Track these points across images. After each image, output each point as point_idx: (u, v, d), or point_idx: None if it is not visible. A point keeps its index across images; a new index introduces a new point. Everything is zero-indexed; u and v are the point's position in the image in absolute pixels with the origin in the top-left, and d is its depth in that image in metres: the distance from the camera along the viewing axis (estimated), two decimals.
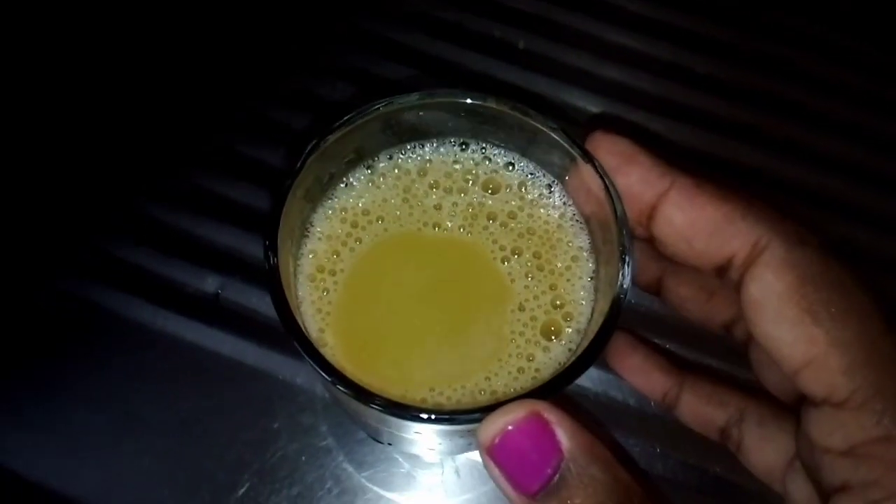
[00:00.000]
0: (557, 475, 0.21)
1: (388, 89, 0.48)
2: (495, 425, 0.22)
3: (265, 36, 0.50)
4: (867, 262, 0.45)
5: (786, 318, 0.22)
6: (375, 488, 0.39)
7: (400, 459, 0.40)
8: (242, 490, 0.38)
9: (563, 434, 0.22)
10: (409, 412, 0.23)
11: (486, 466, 0.23)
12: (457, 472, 0.39)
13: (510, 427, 0.22)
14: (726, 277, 0.24)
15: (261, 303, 0.42)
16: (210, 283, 0.42)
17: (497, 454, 0.22)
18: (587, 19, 0.52)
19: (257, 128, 0.47)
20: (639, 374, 0.31)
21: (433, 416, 0.23)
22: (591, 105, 0.49)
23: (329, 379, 0.24)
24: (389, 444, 0.34)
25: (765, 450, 0.27)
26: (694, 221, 0.24)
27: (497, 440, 0.22)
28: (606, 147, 0.26)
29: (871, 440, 0.21)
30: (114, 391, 0.40)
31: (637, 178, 0.25)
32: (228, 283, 0.43)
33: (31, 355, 0.41)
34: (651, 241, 0.26)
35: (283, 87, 0.48)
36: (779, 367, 0.23)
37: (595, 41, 0.52)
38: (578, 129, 0.29)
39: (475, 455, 0.39)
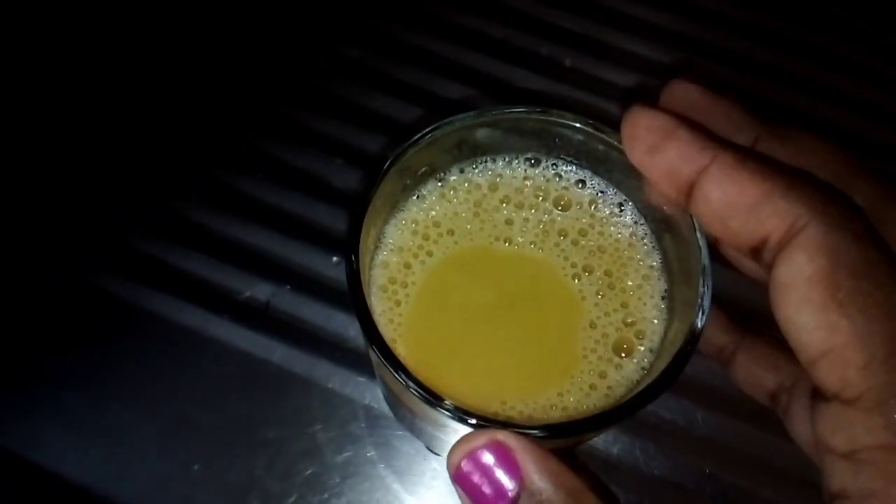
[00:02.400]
0: (519, 501, 0.22)
1: (437, 104, 0.49)
2: (458, 453, 0.23)
3: (318, 51, 0.51)
4: None
5: (811, 302, 0.20)
6: (419, 502, 0.39)
7: (444, 474, 0.40)
8: (292, 499, 0.38)
9: (527, 460, 0.22)
10: (475, 419, 0.23)
11: (456, 492, 0.23)
12: None
13: (474, 454, 0.23)
14: (761, 259, 0.23)
15: (310, 312, 0.42)
16: (261, 291, 0.43)
17: (462, 481, 0.23)
18: (633, 38, 0.53)
19: (311, 140, 0.47)
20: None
21: (507, 427, 0.23)
22: None
23: (404, 382, 0.24)
24: None
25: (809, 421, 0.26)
26: (731, 199, 0.22)
27: (462, 467, 0.23)
28: (645, 123, 0.24)
29: (875, 446, 0.20)
30: (164, 397, 0.40)
31: (677, 153, 0.23)
32: (279, 291, 0.43)
33: (83, 361, 0.41)
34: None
35: (331, 97, 0.49)
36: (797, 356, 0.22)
37: (640, 60, 0.52)
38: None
39: None
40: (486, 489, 0.22)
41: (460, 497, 0.23)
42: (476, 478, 0.22)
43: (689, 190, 0.23)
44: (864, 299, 0.20)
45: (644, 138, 0.24)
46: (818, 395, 0.22)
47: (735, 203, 0.22)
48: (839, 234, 0.21)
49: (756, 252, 0.23)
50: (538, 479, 0.22)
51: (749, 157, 0.23)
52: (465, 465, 0.23)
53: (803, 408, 0.27)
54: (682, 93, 0.25)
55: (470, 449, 0.22)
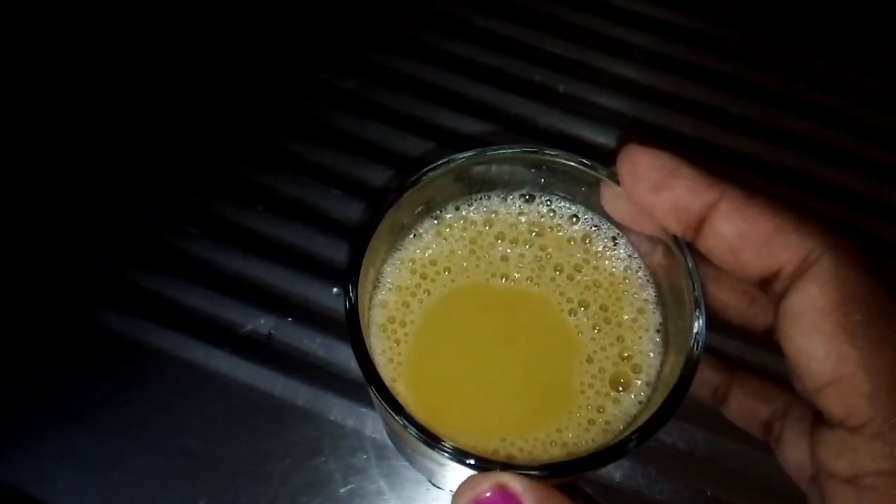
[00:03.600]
0: None
1: (434, 133, 0.49)
2: (464, 498, 0.23)
3: (314, 83, 0.51)
4: None
5: (821, 332, 0.22)
6: None
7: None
8: None
9: (531, 501, 0.22)
10: (479, 460, 0.24)
11: None
12: None
13: (479, 499, 0.23)
14: (770, 289, 0.24)
15: (312, 344, 0.43)
16: (263, 324, 0.43)
17: None
18: (626, 63, 0.53)
19: (308, 171, 0.48)
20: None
21: (507, 468, 0.23)
22: None
23: (403, 424, 0.24)
24: (451, 491, 0.35)
25: (800, 446, 0.27)
26: (744, 233, 0.23)
27: None
28: (647, 162, 0.25)
29: (878, 472, 0.21)
30: (168, 432, 0.41)
31: (684, 190, 0.24)
32: (280, 324, 0.43)
33: (85, 396, 0.42)
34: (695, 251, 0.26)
35: (328, 128, 0.49)
36: (802, 383, 0.23)
37: (633, 85, 0.53)
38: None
39: None
40: None
41: None
42: None
43: (698, 225, 0.25)
44: (872, 331, 0.21)
45: (647, 176, 0.25)
46: (821, 422, 0.22)
47: (748, 237, 0.23)
48: (850, 268, 0.22)
49: (766, 283, 0.24)
50: None
51: (756, 193, 0.24)
52: None
53: (795, 434, 0.27)
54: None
55: (475, 495, 0.23)
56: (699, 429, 0.41)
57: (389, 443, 0.41)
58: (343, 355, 0.43)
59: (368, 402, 0.41)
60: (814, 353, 0.22)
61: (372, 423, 0.41)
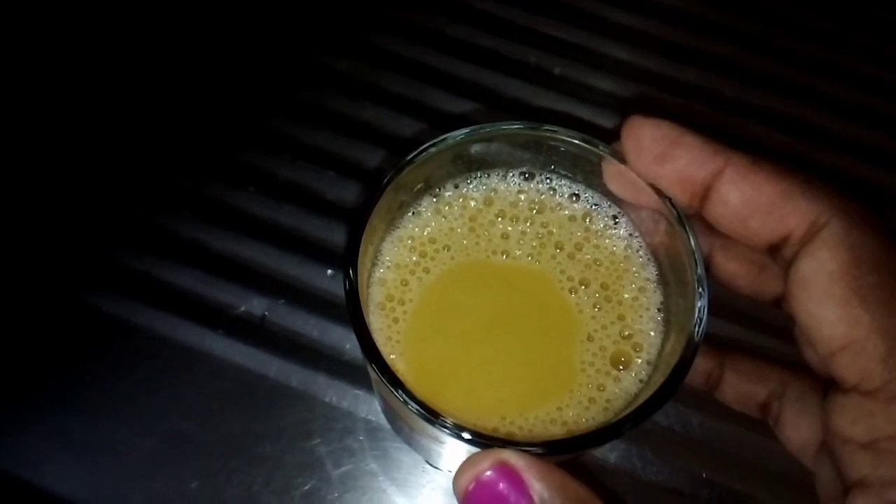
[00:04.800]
0: None
1: (428, 115, 0.49)
2: (465, 477, 0.23)
3: (308, 64, 0.51)
4: None
5: (832, 296, 0.21)
6: None
7: (445, 485, 0.40)
8: None
9: (533, 478, 0.22)
10: (473, 436, 0.23)
11: None
12: None
13: (481, 477, 0.23)
14: (779, 255, 0.24)
15: (306, 326, 0.42)
16: (256, 306, 0.43)
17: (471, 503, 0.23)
18: (621, 46, 0.53)
19: (302, 153, 0.47)
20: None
21: (506, 444, 0.23)
22: None
23: (403, 400, 0.24)
24: (450, 471, 0.35)
25: (800, 425, 0.27)
26: (751, 199, 0.23)
27: (470, 490, 0.23)
28: (650, 133, 0.25)
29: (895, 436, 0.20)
30: (160, 414, 0.40)
31: (688, 159, 0.24)
32: (274, 305, 0.43)
33: (78, 378, 0.41)
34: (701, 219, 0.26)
35: (322, 109, 0.49)
36: (815, 350, 0.22)
37: (629, 67, 0.52)
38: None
39: None
40: None
41: None
42: (485, 500, 0.23)
43: (704, 193, 0.24)
44: (884, 293, 0.21)
45: (650, 148, 0.25)
46: (835, 388, 0.22)
47: (755, 203, 0.23)
48: (859, 231, 0.22)
49: (775, 249, 0.24)
50: (546, 495, 0.22)
51: (761, 159, 0.24)
52: (473, 488, 0.23)
53: (795, 412, 0.27)
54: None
55: (476, 472, 0.23)
56: (695, 412, 0.41)
57: (384, 425, 0.40)
58: (337, 337, 0.42)
59: (363, 384, 0.41)
60: (825, 318, 0.21)
61: (366, 406, 0.41)
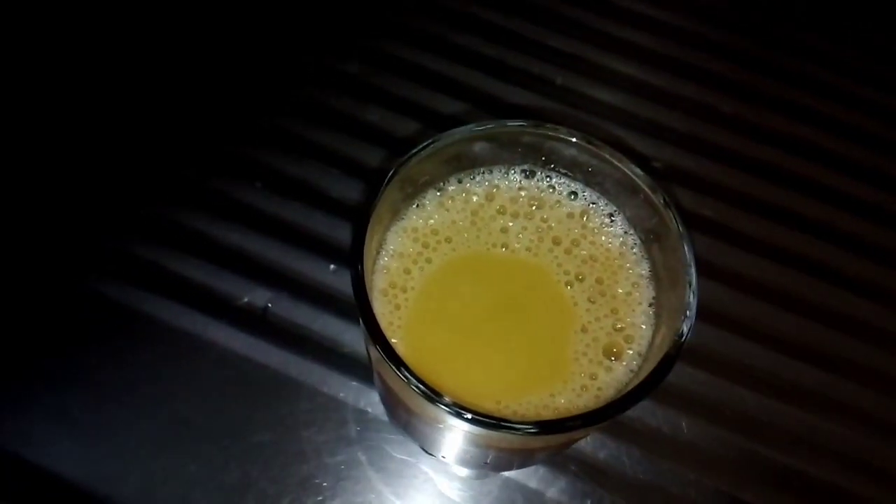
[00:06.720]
0: None
1: (431, 119, 0.50)
2: None
3: (317, 66, 0.52)
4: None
5: None
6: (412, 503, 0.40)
7: (435, 477, 0.41)
8: (286, 501, 0.39)
9: None
10: (473, 414, 0.24)
11: None
12: (495, 493, 0.40)
13: None
14: None
15: (308, 318, 0.43)
16: (259, 297, 0.44)
17: None
18: (622, 59, 0.55)
19: (309, 151, 0.48)
20: None
21: (496, 423, 0.24)
22: (623, 141, 0.51)
23: (405, 378, 0.25)
24: (443, 457, 0.35)
25: None
26: None
27: None
28: None
29: None
30: (162, 399, 0.41)
31: None
32: (277, 297, 0.44)
33: (81, 362, 0.42)
34: None
35: (329, 110, 0.50)
36: None
37: (628, 80, 0.54)
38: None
39: (515, 476, 0.40)
40: None
41: None
42: None
43: None
44: None
45: None
46: None
47: None
48: None
49: None
50: None
51: None
52: None
53: None
54: None
55: None
56: (683, 413, 0.42)
57: (379, 416, 0.41)
58: (337, 330, 0.43)
59: (359, 376, 0.42)
60: None
61: (363, 398, 0.42)
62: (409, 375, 0.24)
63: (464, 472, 0.41)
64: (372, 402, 0.42)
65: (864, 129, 0.53)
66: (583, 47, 0.55)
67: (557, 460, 0.41)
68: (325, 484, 0.40)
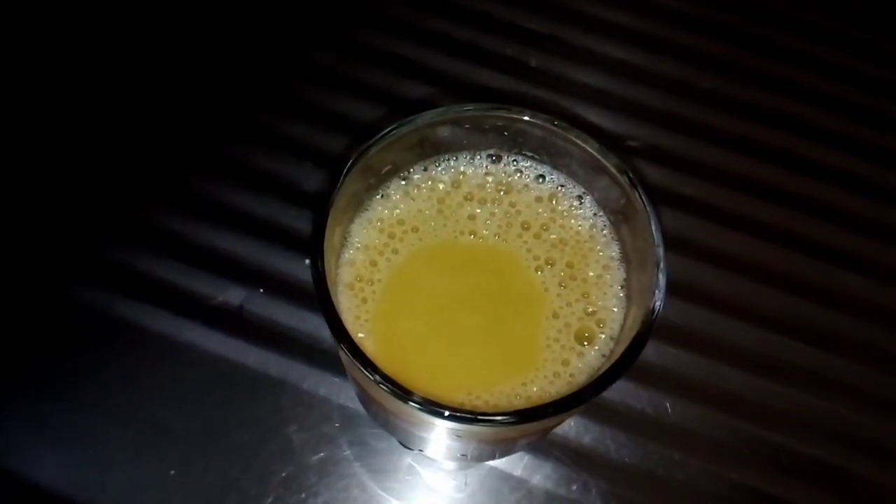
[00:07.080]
0: None
1: (406, 107, 0.49)
2: None
3: (287, 56, 0.51)
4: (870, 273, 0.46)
5: None
6: (395, 499, 0.39)
7: (420, 470, 0.40)
8: (269, 500, 0.39)
9: None
10: (445, 411, 0.24)
11: None
12: (480, 483, 0.40)
13: None
14: None
15: (284, 315, 0.43)
16: (234, 296, 0.43)
17: None
18: (597, 38, 0.54)
19: (280, 144, 0.48)
20: None
21: (468, 417, 0.23)
22: (601, 121, 0.51)
23: (374, 379, 0.24)
24: (420, 451, 0.35)
25: None
26: None
27: None
28: None
29: None
30: (139, 403, 0.41)
31: None
32: (252, 295, 0.43)
33: (56, 368, 0.41)
34: None
35: (300, 101, 0.49)
36: None
37: (604, 59, 0.53)
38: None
39: (499, 464, 0.40)
40: None
41: None
42: None
43: None
44: None
45: None
46: None
47: None
48: None
49: None
50: None
51: None
52: None
53: None
54: None
55: None
56: (668, 394, 0.42)
57: (360, 412, 0.41)
58: (315, 325, 0.43)
59: (339, 372, 0.42)
60: None
61: (343, 393, 0.41)
62: (377, 375, 0.24)
63: (449, 464, 0.40)
64: (352, 397, 0.41)
65: (845, 101, 0.52)
66: (557, 27, 0.54)
67: (541, 447, 0.40)
68: (307, 482, 0.39)
